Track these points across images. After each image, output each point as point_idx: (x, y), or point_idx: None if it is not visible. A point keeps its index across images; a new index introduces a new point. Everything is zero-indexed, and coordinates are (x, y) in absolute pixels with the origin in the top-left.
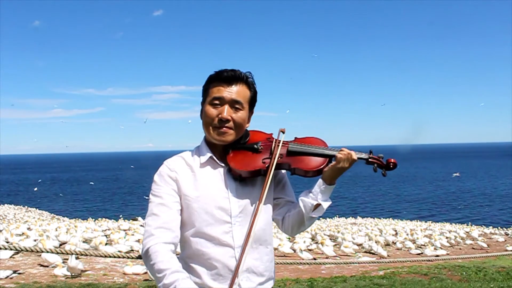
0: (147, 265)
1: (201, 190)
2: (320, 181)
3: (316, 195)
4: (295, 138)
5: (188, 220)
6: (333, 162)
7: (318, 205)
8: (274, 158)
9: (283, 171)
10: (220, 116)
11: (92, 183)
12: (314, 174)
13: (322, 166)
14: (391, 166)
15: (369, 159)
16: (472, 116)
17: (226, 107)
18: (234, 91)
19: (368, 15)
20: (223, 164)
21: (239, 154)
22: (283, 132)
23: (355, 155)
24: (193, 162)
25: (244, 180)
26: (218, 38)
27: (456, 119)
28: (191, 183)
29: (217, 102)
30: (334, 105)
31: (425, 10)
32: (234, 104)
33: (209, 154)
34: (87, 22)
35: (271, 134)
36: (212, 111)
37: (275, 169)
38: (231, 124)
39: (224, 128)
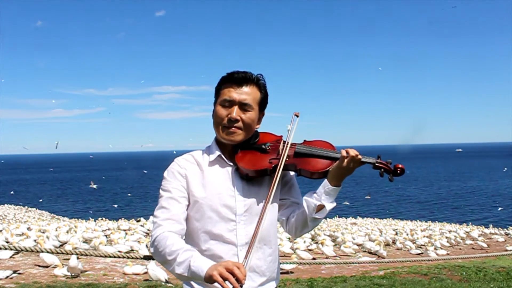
0: (156, 254)
1: (208, 187)
2: (325, 181)
3: (320, 196)
4: (304, 140)
5: (194, 216)
6: (338, 161)
7: (322, 206)
8: (282, 159)
9: (291, 172)
10: (229, 116)
11: (94, 186)
12: (319, 176)
13: (328, 168)
14: (399, 171)
15: (376, 164)
16: (472, 116)
17: (236, 107)
18: (244, 93)
19: (368, 15)
20: (231, 163)
21: (247, 154)
22: (297, 116)
23: (360, 156)
24: (202, 160)
25: (251, 180)
26: (220, 39)
27: (456, 119)
28: (199, 181)
29: (227, 103)
30: (334, 104)
31: (425, 9)
32: (243, 105)
33: (217, 153)
34: (90, 23)
35: (281, 136)
36: (222, 111)
37: (283, 170)
38: (240, 124)
39: (233, 128)
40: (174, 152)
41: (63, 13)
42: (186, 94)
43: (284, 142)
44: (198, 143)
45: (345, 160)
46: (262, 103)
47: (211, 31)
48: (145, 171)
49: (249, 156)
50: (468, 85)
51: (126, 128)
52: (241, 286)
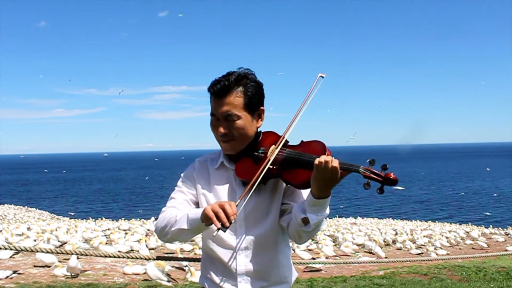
0: (159, 230)
1: (212, 191)
2: (309, 193)
3: (305, 208)
4: (301, 141)
5: None
6: (313, 170)
7: (307, 219)
8: (262, 170)
9: None
10: (218, 132)
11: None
12: (305, 187)
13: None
14: (389, 182)
15: (362, 173)
16: (472, 116)
17: (221, 121)
18: (225, 104)
19: (368, 14)
20: (234, 168)
21: (243, 161)
22: (323, 77)
23: (334, 162)
24: (211, 164)
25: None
26: (222, 39)
27: (456, 119)
28: (205, 184)
29: (213, 117)
30: (334, 104)
31: (425, 9)
32: (228, 116)
33: (221, 159)
34: (93, 23)
35: (282, 136)
36: (212, 127)
37: (269, 178)
38: (230, 136)
39: (228, 142)
40: (156, 159)
41: (66, 14)
42: (187, 94)
43: (277, 143)
44: (198, 143)
45: (319, 168)
46: (250, 105)
47: (213, 31)
48: (45, 170)
49: (244, 164)
50: (469, 85)
51: (126, 128)
52: (230, 223)
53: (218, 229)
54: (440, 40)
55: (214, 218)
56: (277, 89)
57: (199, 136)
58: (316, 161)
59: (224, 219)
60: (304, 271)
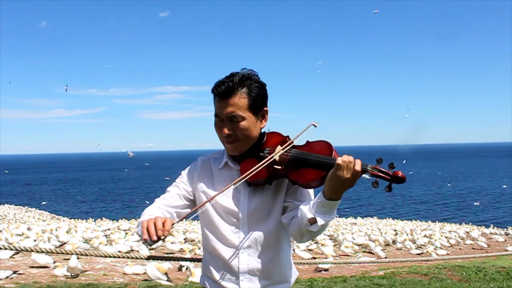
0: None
1: (215, 191)
2: (320, 192)
3: (314, 208)
4: (307, 141)
5: (204, 216)
6: (332, 170)
7: (314, 220)
8: (262, 165)
9: None
10: (223, 133)
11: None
12: (314, 186)
13: (319, 179)
14: (397, 180)
15: (371, 171)
16: (472, 116)
17: (226, 122)
18: (229, 105)
19: (367, 14)
20: (238, 168)
21: (248, 162)
22: (315, 126)
23: (358, 165)
24: (215, 163)
25: (256, 185)
26: (223, 40)
27: (456, 119)
28: (209, 184)
29: (217, 118)
30: (334, 104)
31: (425, 9)
32: (232, 117)
33: (225, 160)
34: (93, 23)
35: (287, 136)
36: (216, 127)
37: (275, 178)
38: (235, 137)
39: (233, 143)
40: (146, 164)
41: (67, 14)
42: (187, 94)
43: (282, 144)
44: (199, 143)
45: (341, 168)
46: (254, 106)
47: (214, 32)
48: (6, 171)
49: (249, 164)
50: (469, 85)
51: (126, 128)
52: (158, 238)
53: (144, 240)
54: (440, 39)
55: (145, 230)
56: (277, 89)
57: (199, 136)
58: (339, 160)
59: (152, 233)
60: (315, 271)
